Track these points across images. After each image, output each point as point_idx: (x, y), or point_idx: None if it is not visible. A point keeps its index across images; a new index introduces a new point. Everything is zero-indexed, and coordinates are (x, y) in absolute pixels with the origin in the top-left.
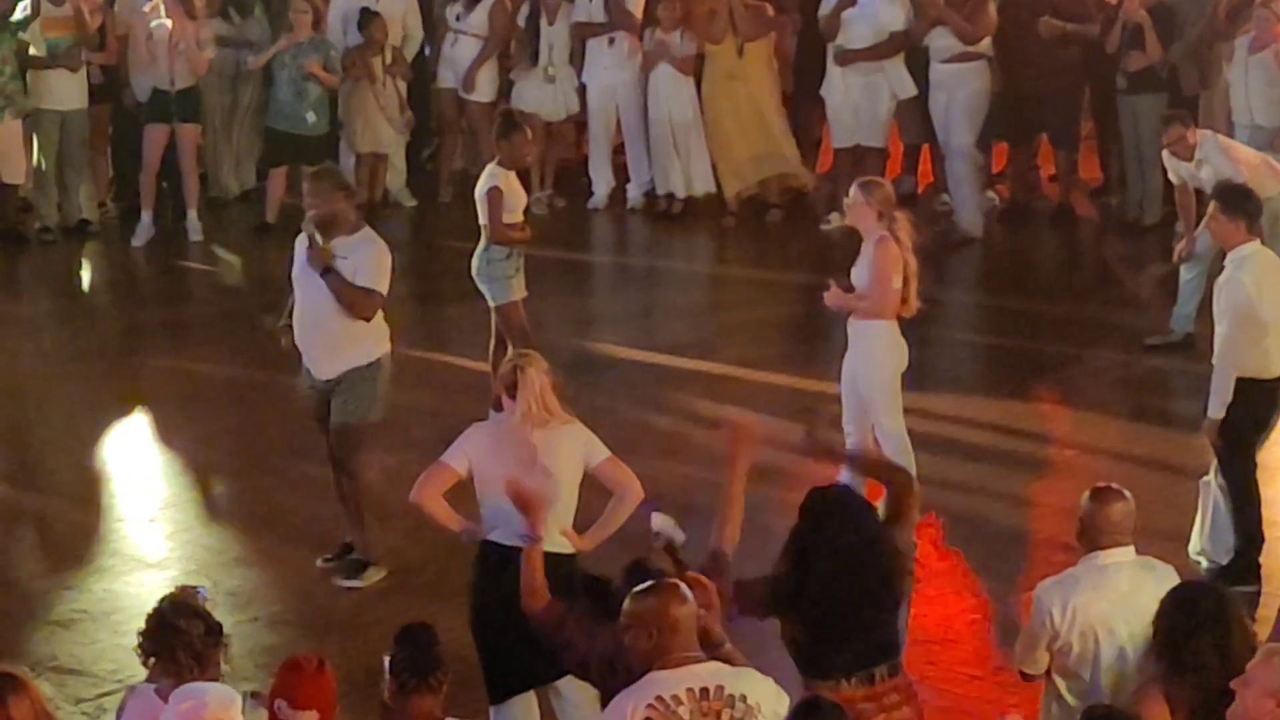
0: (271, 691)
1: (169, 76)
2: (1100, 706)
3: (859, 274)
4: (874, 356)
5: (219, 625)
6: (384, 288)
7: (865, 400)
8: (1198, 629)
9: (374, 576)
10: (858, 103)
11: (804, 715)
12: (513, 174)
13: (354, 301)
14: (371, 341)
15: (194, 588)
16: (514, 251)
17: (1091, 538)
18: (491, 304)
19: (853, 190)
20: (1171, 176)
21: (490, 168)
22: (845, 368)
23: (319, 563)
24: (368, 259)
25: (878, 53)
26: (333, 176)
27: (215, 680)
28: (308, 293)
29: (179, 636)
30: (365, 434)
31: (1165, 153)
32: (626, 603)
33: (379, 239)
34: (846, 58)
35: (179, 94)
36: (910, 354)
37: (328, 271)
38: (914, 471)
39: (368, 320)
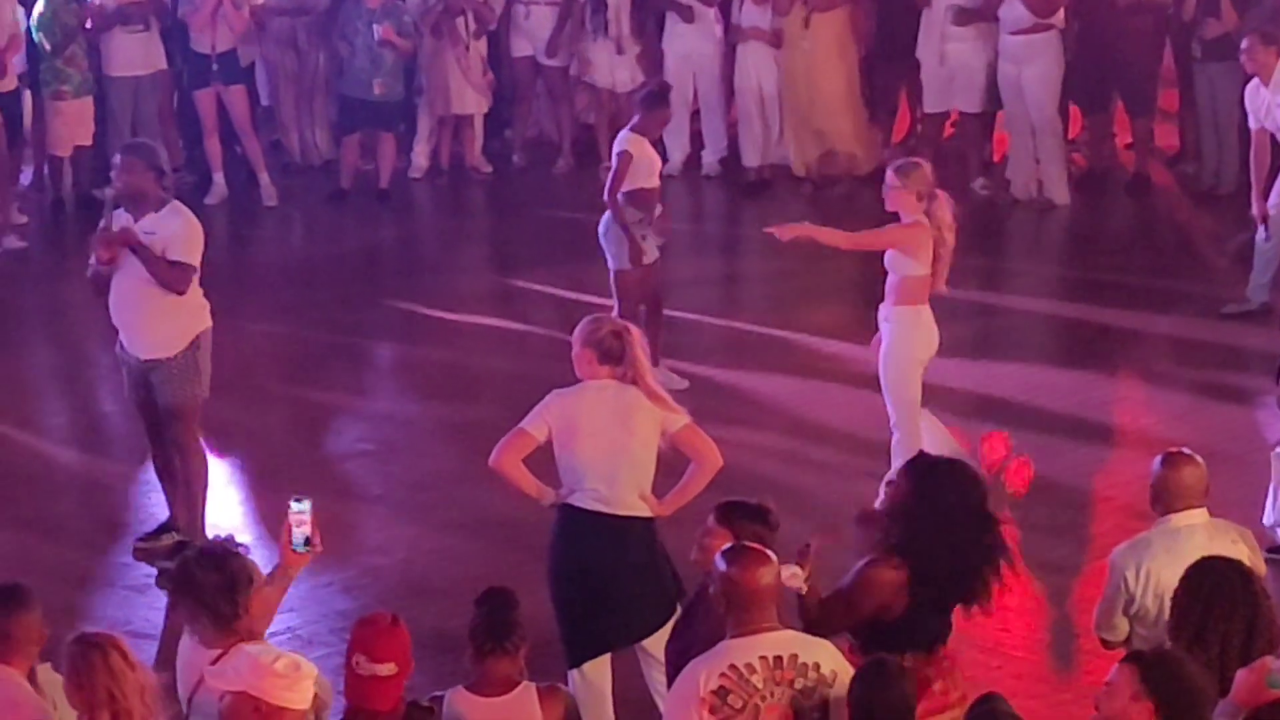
0: (349, 648)
1: (210, 40)
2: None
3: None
4: (895, 340)
5: (236, 582)
6: (195, 260)
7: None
8: (1217, 599)
9: None
10: (957, 66)
11: (872, 674)
12: (645, 141)
13: (165, 276)
14: (189, 318)
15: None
16: (645, 218)
17: (1164, 502)
18: (611, 267)
19: (889, 174)
20: (1251, 121)
21: (624, 133)
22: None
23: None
24: (176, 232)
25: (990, 8)
26: (148, 153)
27: (232, 635)
28: (123, 269)
29: (195, 589)
30: (196, 412)
31: (1248, 87)
32: (716, 564)
33: (186, 211)
34: (964, 17)
35: (219, 57)
36: (980, 322)
37: (138, 248)
38: (956, 451)
39: (181, 294)
